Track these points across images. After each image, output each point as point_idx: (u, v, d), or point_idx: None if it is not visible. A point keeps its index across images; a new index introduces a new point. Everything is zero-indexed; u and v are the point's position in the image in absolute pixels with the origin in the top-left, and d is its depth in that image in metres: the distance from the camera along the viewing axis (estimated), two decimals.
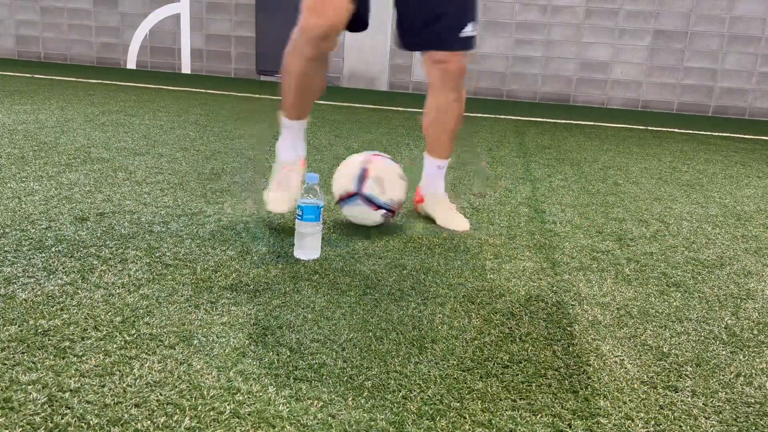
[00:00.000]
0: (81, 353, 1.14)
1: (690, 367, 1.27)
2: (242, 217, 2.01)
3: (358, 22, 1.82)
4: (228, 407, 1.02)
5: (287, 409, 1.03)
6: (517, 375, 1.19)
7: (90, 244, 1.68)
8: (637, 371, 1.23)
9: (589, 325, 1.43)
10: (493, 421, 1.04)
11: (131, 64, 7.46)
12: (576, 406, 1.10)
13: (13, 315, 1.26)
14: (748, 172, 3.46)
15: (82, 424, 0.95)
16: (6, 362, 1.10)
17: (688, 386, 1.19)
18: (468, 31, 1.92)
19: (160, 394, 1.04)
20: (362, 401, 1.07)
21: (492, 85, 6.82)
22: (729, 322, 1.50)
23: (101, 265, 1.54)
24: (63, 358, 1.12)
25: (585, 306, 1.53)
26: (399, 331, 1.32)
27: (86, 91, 4.87)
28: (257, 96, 5.46)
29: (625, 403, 1.12)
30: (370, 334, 1.30)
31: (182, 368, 1.12)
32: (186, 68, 7.36)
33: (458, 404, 1.08)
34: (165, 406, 1.01)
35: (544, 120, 5.14)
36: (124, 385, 1.06)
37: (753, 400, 1.17)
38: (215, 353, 1.18)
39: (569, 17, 6.57)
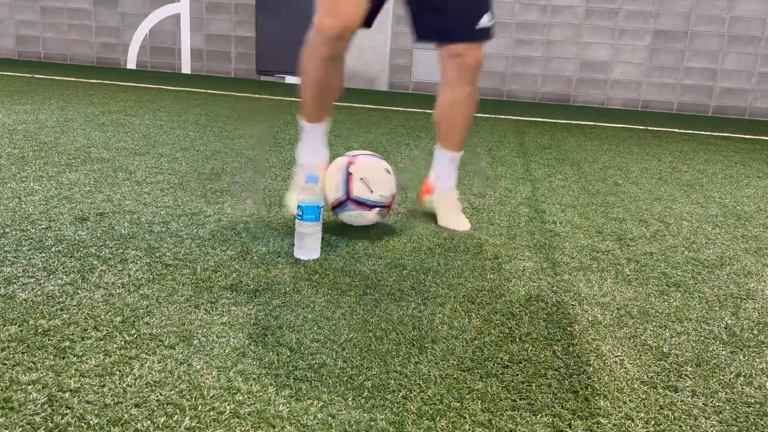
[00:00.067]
0: (81, 353, 1.14)
1: (690, 367, 1.27)
2: (242, 217, 2.01)
3: (368, 21, 1.84)
4: (228, 407, 1.02)
5: (287, 409, 1.03)
6: (517, 375, 1.19)
7: (90, 244, 1.68)
8: (637, 371, 1.23)
9: (589, 325, 1.43)
10: (493, 421, 1.04)
11: (131, 64, 7.46)
12: (576, 406, 1.10)
13: (13, 315, 1.26)
14: (748, 172, 3.46)
15: (82, 424, 0.95)
16: (6, 362, 1.10)
17: (688, 386, 1.19)
18: (484, 22, 1.91)
19: (160, 394, 1.04)
20: (362, 401, 1.07)
21: (492, 85, 6.83)
22: (729, 322, 1.50)
23: (101, 265, 1.54)
24: (63, 358, 1.12)
25: (585, 306, 1.53)
26: (399, 331, 1.32)
27: (86, 91, 4.87)
28: (257, 96, 5.47)
29: (625, 403, 1.12)
30: (370, 334, 1.30)
31: (182, 368, 1.12)
32: (186, 68, 7.36)
33: (458, 404, 1.08)
34: (165, 406, 1.01)
35: (544, 120, 5.14)
36: (124, 385, 1.06)
37: (753, 400, 1.17)
38: (215, 353, 1.18)
39: (569, 17, 6.57)
